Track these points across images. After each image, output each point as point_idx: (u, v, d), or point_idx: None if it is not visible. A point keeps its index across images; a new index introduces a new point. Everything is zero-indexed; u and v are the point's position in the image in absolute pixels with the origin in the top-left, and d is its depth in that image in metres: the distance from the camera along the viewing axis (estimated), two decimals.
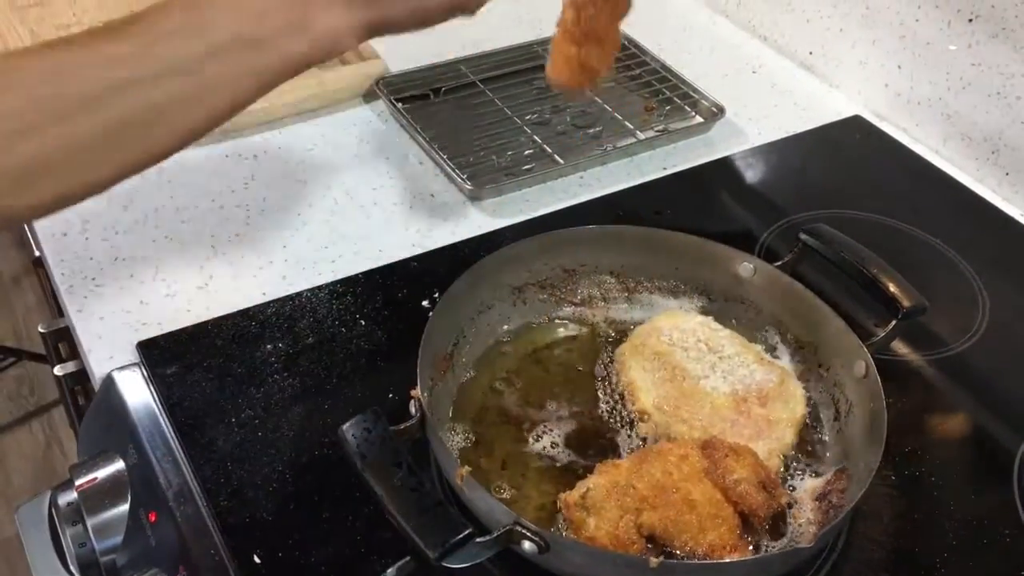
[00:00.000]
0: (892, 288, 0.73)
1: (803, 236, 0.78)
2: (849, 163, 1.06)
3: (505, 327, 0.78)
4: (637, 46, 1.16)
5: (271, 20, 0.58)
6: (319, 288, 0.83)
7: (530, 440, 0.70)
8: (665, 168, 1.02)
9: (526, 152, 1.00)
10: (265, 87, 0.60)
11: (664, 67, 1.12)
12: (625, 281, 0.81)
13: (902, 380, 0.79)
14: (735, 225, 0.96)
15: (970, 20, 0.99)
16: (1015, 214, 1.00)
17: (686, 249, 0.79)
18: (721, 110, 1.06)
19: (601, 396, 0.74)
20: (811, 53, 1.19)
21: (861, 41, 1.12)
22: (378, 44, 1.14)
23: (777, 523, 0.65)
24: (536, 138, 1.02)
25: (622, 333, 0.79)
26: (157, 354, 0.76)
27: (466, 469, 0.59)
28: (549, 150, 1.00)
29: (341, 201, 0.94)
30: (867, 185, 1.02)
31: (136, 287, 0.83)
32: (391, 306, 0.82)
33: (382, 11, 0.62)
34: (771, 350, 0.77)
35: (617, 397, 0.73)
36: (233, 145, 0.99)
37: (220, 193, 0.93)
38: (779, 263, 0.78)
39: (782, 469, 0.69)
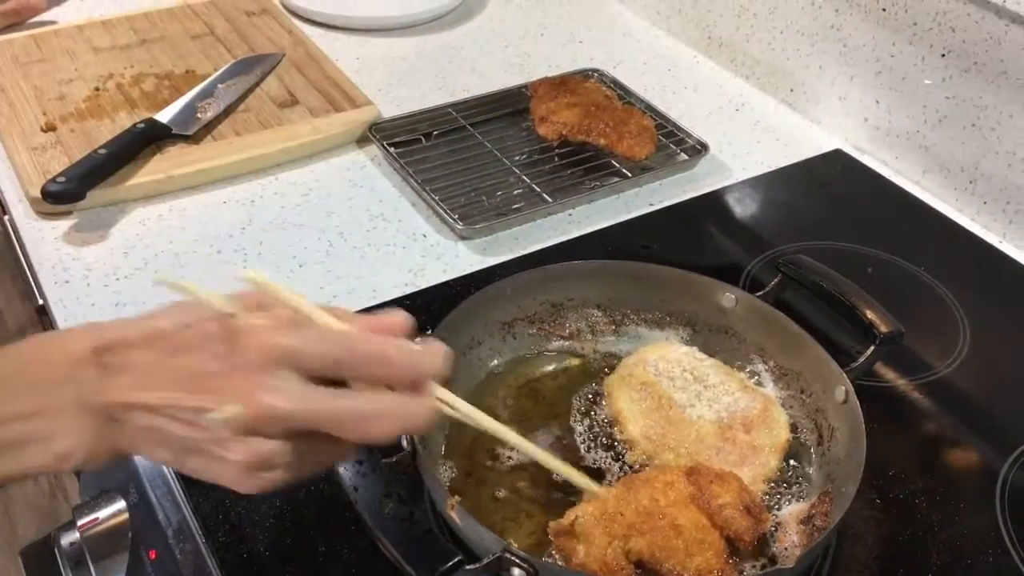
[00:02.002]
0: (869, 314, 0.75)
1: (782, 267, 0.81)
2: (831, 196, 1.09)
3: (495, 361, 0.80)
4: (623, 87, 1.19)
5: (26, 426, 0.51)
6: None
7: (519, 470, 0.71)
8: (652, 204, 1.04)
9: (516, 192, 1.03)
10: None
11: (649, 107, 1.15)
12: (612, 314, 0.83)
13: (886, 405, 0.81)
14: (721, 257, 0.98)
15: (943, 55, 1.02)
16: (993, 241, 1.02)
17: (670, 282, 0.81)
18: (705, 147, 1.09)
19: (590, 426, 0.75)
20: (792, 90, 1.22)
21: (840, 77, 1.15)
22: (370, 91, 1.17)
23: (764, 547, 0.66)
24: (525, 178, 1.04)
25: (611, 364, 0.80)
26: None
27: (456, 499, 0.61)
28: (538, 189, 1.03)
29: (335, 243, 0.96)
30: (850, 217, 1.05)
31: None
32: None
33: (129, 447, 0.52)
34: (755, 378, 0.79)
35: (605, 427, 0.75)
36: (230, 192, 1.02)
37: (218, 238, 0.96)
38: (760, 293, 0.80)
39: (767, 494, 0.70)
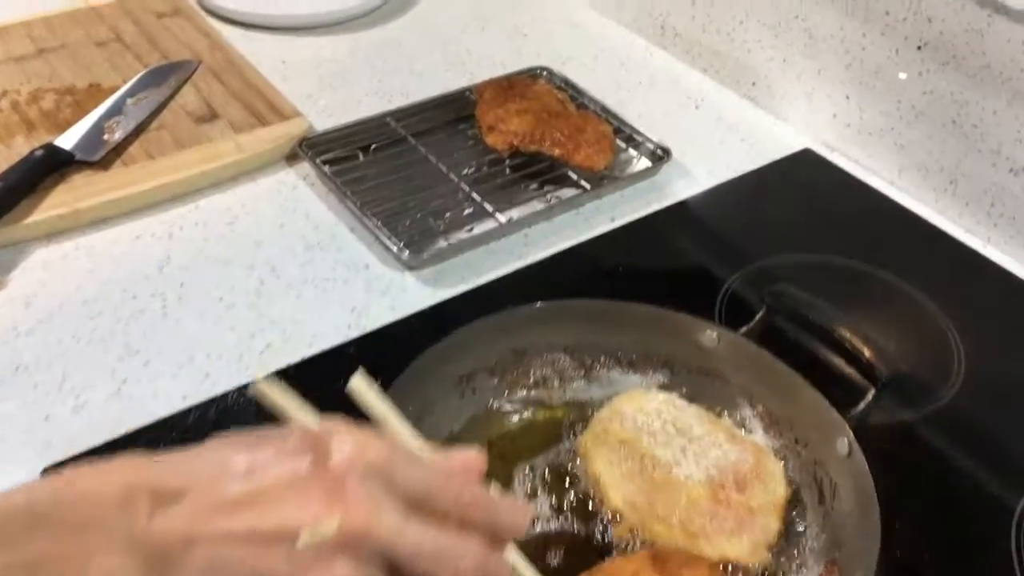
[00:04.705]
0: (867, 353, 0.68)
1: (767, 301, 0.73)
2: (803, 200, 1.01)
3: (454, 424, 0.70)
4: (575, 87, 1.10)
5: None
6: (246, 386, 0.75)
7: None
8: (613, 219, 0.96)
9: (465, 212, 0.93)
10: None
11: (604, 108, 1.07)
12: (581, 358, 0.74)
13: (884, 440, 0.74)
14: (694, 277, 0.90)
15: (919, 47, 0.95)
16: (977, 246, 0.95)
17: (643, 320, 0.73)
18: (667, 152, 1.01)
19: (560, 498, 0.66)
20: (754, 84, 1.14)
21: (806, 71, 1.07)
22: (299, 99, 1.07)
23: None
24: (475, 196, 0.95)
25: (582, 414, 0.72)
26: None
27: None
28: (490, 209, 0.93)
29: (267, 280, 0.86)
30: (824, 223, 0.98)
31: (41, 399, 0.74)
32: (328, 402, 0.74)
33: None
34: (742, 424, 0.71)
35: (582, 492, 0.66)
36: (144, 224, 0.91)
37: (132, 280, 0.85)
38: (744, 329, 0.72)
39: (769, 567, 0.62)
